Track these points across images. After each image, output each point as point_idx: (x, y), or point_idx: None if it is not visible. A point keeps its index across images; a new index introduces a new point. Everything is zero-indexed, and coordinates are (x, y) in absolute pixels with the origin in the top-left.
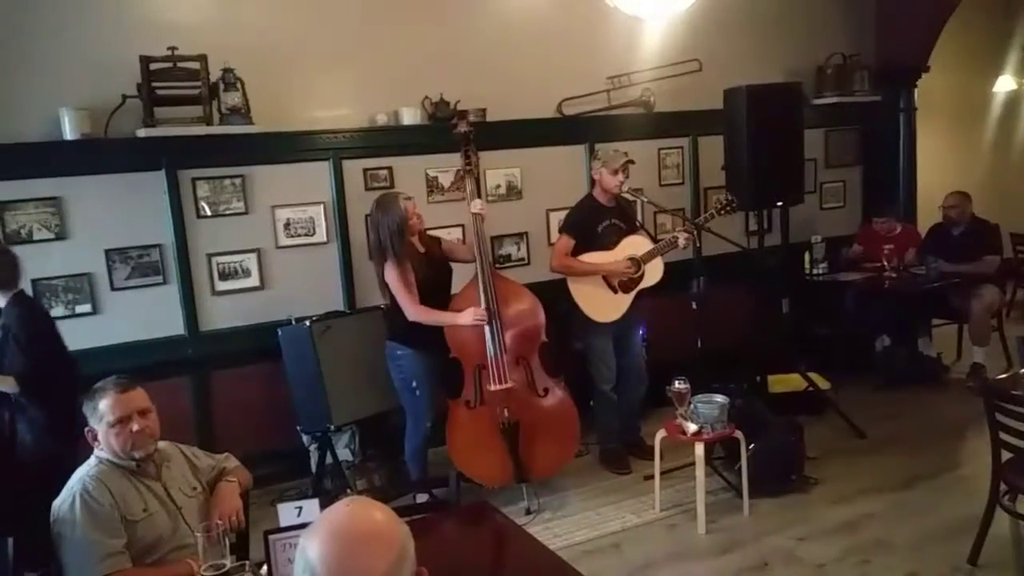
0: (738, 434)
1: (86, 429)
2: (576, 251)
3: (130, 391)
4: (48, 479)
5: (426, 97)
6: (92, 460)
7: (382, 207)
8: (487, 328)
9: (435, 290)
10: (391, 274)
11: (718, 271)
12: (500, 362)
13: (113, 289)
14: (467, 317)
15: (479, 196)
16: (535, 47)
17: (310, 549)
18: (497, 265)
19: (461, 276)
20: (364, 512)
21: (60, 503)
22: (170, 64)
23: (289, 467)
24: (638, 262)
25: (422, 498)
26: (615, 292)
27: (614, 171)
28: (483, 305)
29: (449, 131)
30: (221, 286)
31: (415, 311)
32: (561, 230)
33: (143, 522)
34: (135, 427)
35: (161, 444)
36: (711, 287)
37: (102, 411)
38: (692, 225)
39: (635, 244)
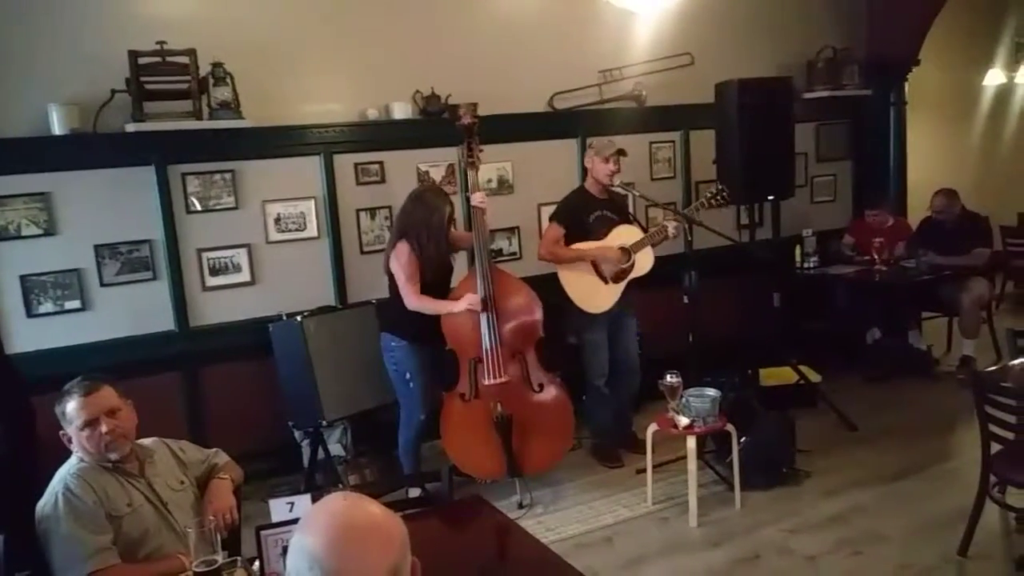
0: (730, 427)
1: (60, 433)
2: (567, 241)
3: (95, 392)
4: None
5: (417, 91)
6: (73, 459)
7: (426, 205)
8: (483, 321)
9: (437, 284)
10: (400, 258)
11: (710, 265)
12: (495, 356)
13: (103, 285)
14: (463, 304)
15: (480, 189)
16: (526, 41)
17: (312, 543)
18: (492, 260)
19: (460, 269)
20: (363, 506)
21: (43, 503)
22: (159, 59)
23: (281, 463)
24: (628, 251)
25: (414, 492)
26: (605, 282)
27: (605, 159)
28: (480, 295)
29: (451, 123)
30: (211, 281)
31: (415, 300)
32: (551, 218)
33: (128, 517)
34: (104, 428)
35: (145, 441)
36: (703, 281)
37: (70, 415)
38: (682, 215)
39: (625, 233)
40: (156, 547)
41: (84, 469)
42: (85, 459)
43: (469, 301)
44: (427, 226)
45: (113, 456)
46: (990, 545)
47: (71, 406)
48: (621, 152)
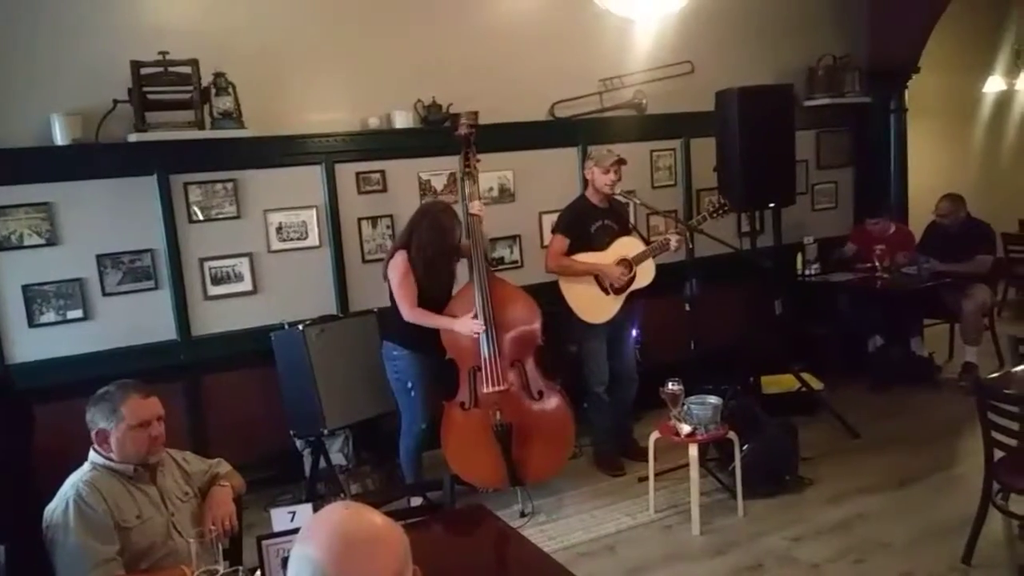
0: (732, 435)
1: (95, 431)
2: (569, 252)
3: (151, 397)
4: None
5: (418, 100)
6: (86, 466)
7: (439, 226)
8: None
9: (438, 295)
10: (397, 270)
11: (711, 272)
12: (494, 364)
13: (105, 294)
14: (463, 326)
15: (478, 197)
16: (527, 50)
17: (314, 553)
18: (490, 268)
19: (461, 277)
20: (364, 515)
21: (53, 509)
22: (161, 69)
23: (282, 472)
24: (630, 263)
25: (416, 501)
26: (607, 293)
27: (605, 169)
28: (479, 308)
29: (450, 132)
30: (213, 291)
31: (412, 313)
32: (554, 230)
33: (136, 529)
34: (154, 432)
35: None
36: (704, 288)
37: (123, 413)
38: (684, 227)
39: (627, 245)
40: (161, 558)
41: (97, 477)
42: (100, 466)
43: (471, 327)
44: (434, 244)
45: (152, 460)
46: (994, 553)
47: (129, 404)
48: (620, 161)
